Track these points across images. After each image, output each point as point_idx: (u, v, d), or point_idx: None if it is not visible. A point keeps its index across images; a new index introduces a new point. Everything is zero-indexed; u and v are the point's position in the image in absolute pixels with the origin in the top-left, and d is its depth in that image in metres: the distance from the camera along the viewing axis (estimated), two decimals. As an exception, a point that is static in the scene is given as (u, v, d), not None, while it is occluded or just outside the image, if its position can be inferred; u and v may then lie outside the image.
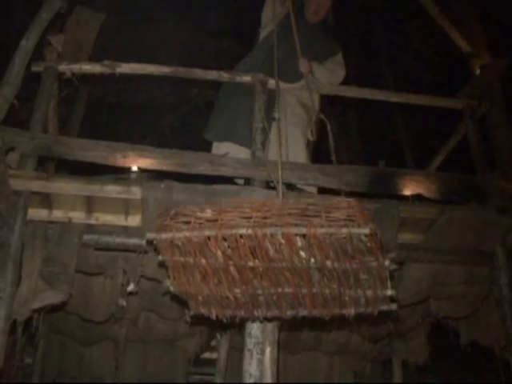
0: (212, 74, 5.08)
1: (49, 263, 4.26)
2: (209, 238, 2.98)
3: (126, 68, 4.95)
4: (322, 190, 4.89)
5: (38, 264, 4.23)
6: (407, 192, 4.85)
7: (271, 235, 2.92)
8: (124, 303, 4.73)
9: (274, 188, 4.34)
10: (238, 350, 5.19)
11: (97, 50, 5.26)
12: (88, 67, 4.91)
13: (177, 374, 6.42)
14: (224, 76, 5.10)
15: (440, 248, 4.83)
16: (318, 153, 5.55)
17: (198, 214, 3.13)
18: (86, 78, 5.19)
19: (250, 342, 4.08)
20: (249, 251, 2.99)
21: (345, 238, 2.88)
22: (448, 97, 5.72)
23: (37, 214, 4.44)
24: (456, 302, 5.05)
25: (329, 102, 7.27)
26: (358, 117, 10.04)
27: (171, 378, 6.33)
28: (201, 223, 3.06)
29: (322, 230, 2.88)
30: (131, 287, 4.54)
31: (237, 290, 3.19)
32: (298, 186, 4.85)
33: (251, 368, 3.98)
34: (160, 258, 3.17)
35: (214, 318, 3.39)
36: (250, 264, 3.04)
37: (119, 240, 4.39)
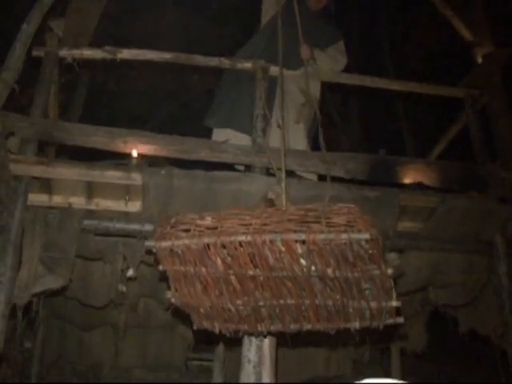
0: (213, 61, 5.06)
1: (49, 248, 4.27)
2: (208, 245, 2.94)
3: (126, 54, 4.94)
4: (322, 178, 4.89)
5: (38, 249, 4.24)
6: (407, 180, 4.85)
7: (270, 242, 2.88)
8: (124, 289, 4.74)
9: (274, 175, 4.35)
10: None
11: (97, 36, 5.24)
12: (89, 53, 4.90)
13: (176, 360, 6.46)
14: (225, 63, 5.08)
15: (440, 236, 4.84)
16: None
17: (198, 221, 3.09)
18: (86, 64, 5.18)
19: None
20: (249, 259, 2.95)
21: (345, 243, 2.83)
22: (450, 86, 5.71)
23: (37, 199, 4.43)
24: (455, 290, 5.06)
25: (330, 91, 7.26)
26: (359, 106, 10.03)
27: (170, 364, 6.37)
28: (200, 231, 3.02)
29: (322, 236, 2.83)
30: (131, 273, 4.55)
31: (238, 302, 3.15)
32: (298, 173, 4.85)
33: (250, 354, 3.97)
34: (160, 267, 3.12)
35: (217, 332, 3.35)
36: (251, 273, 3.00)
37: (119, 226, 4.40)
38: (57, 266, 4.26)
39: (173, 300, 3.22)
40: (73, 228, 4.31)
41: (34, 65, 4.81)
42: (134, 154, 4.50)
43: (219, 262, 2.98)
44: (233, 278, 3.05)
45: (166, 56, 5.00)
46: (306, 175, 4.95)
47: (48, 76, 4.74)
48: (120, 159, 4.81)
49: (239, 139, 5.00)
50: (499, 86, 5.59)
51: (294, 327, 3.28)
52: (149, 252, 3.20)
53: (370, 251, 2.87)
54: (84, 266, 4.84)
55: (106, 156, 4.69)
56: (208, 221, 3.09)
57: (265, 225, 2.97)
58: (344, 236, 2.81)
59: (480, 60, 5.67)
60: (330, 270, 2.92)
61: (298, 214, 3.05)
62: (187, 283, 3.13)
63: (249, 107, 4.91)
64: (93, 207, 4.47)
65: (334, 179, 4.67)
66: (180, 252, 3.00)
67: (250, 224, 2.99)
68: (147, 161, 4.63)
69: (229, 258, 2.96)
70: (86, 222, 4.38)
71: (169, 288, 3.23)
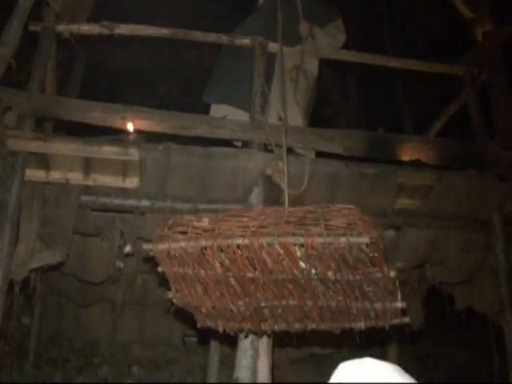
0: (211, 37, 5.03)
1: (46, 224, 4.27)
2: (205, 248, 2.91)
3: (124, 29, 4.90)
4: (320, 154, 4.88)
5: (36, 224, 4.24)
6: (406, 158, 4.84)
7: (268, 245, 2.84)
8: (121, 265, 4.75)
9: (272, 151, 4.34)
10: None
11: (95, 13, 5.20)
12: (86, 28, 4.86)
13: (173, 337, 6.49)
14: (223, 39, 5.05)
15: (437, 214, 4.84)
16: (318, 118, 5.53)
17: (195, 223, 3.07)
18: (84, 40, 5.15)
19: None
20: (247, 262, 2.92)
21: (344, 247, 2.78)
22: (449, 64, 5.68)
23: (34, 174, 4.41)
24: (452, 268, 5.06)
25: (329, 68, 7.22)
26: (358, 84, 9.98)
27: (168, 341, 6.41)
28: (197, 233, 2.99)
29: (321, 240, 2.78)
30: (128, 249, 4.56)
31: (240, 303, 3.13)
32: (297, 150, 4.83)
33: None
34: (159, 269, 3.10)
35: (221, 331, 3.35)
36: (250, 275, 2.97)
37: (117, 201, 4.40)
38: (54, 241, 4.26)
39: (174, 300, 3.21)
40: (70, 204, 4.31)
41: (31, 41, 4.77)
42: (131, 128, 4.48)
43: (217, 264, 2.95)
44: (232, 280, 3.02)
45: (164, 32, 4.96)
46: (304, 152, 4.94)
47: (45, 51, 4.71)
48: (118, 135, 4.80)
49: (237, 115, 4.98)
50: (499, 65, 5.55)
51: (298, 326, 3.27)
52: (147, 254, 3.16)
53: (371, 254, 2.81)
54: (81, 242, 4.84)
55: (104, 132, 4.67)
56: (205, 223, 3.06)
57: (262, 227, 2.93)
58: (343, 240, 2.76)
59: (480, 38, 5.63)
60: (330, 273, 2.88)
61: (296, 215, 3.00)
62: (187, 285, 3.11)
63: (247, 84, 4.89)
64: (90, 183, 4.45)
65: (332, 156, 4.67)
66: (177, 255, 2.97)
67: (248, 226, 2.95)
68: (144, 137, 4.61)
69: (227, 261, 2.93)
70: (84, 198, 4.37)
71: (170, 288, 3.22)
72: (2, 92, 4.33)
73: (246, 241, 2.84)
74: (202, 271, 2.99)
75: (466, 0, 5.85)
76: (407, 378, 1.37)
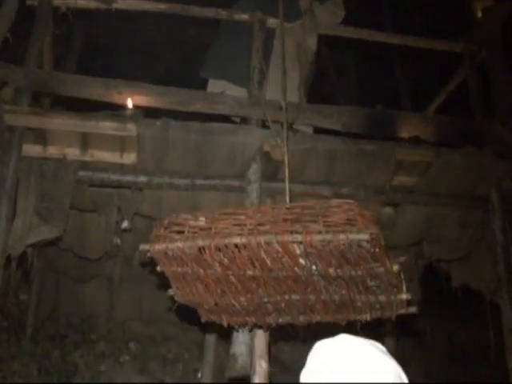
0: (209, 12, 5.00)
1: (43, 199, 4.26)
2: (203, 248, 2.85)
3: (121, 4, 4.87)
4: (318, 131, 4.87)
5: (33, 200, 4.24)
6: (404, 134, 4.83)
7: (266, 244, 2.77)
8: (118, 241, 4.75)
9: (269, 127, 4.33)
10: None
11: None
12: (83, 2, 4.82)
13: (171, 313, 6.49)
14: (221, 14, 5.03)
15: (435, 191, 4.84)
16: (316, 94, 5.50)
17: (192, 222, 3.02)
18: (81, 15, 5.11)
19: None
20: (246, 260, 2.86)
21: (344, 244, 2.69)
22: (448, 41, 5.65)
23: (31, 150, 4.39)
24: (449, 245, 5.07)
25: (327, 45, 7.17)
26: (357, 61, 9.92)
27: (165, 317, 6.41)
28: (194, 232, 2.94)
29: (319, 237, 2.70)
30: (125, 224, 4.56)
31: (242, 299, 3.10)
32: (294, 126, 4.82)
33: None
34: (158, 268, 3.05)
35: (225, 325, 3.34)
36: (250, 273, 2.92)
37: (114, 177, 4.38)
38: (51, 216, 4.25)
39: (176, 298, 3.18)
40: (68, 179, 4.30)
41: (28, 17, 4.73)
42: (129, 104, 4.46)
43: (216, 263, 2.90)
44: (233, 278, 2.98)
45: (162, 7, 4.94)
46: (302, 128, 4.92)
47: (42, 26, 4.68)
48: (116, 111, 4.77)
49: (234, 91, 4.96)
50: (498, 42, 5.51)
51: (303, 319, 3.25)
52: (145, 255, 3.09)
53: (372, 250, 2.72)
54: (79, 217, 4.84)
55: (102, 107, 4.64)
56: (202, 222, 3.01)
57: (260, 225, 2.87)
58: (342, 237, 2.68)
59: (479, 14, 5.59)
60: (331, 270, 2.83)
61: (294, 212, 2.94)
62: (188, 283, 3.07)
63: (245, 59, 4.86)
64: (88, 158, 4.44)
65: (330, 132, 4.65)
66: (175, 255, 2.92)
67: (245, 224, 2.89)
68: (142, 112, 4.59)
69: (226, 260, 2.88)
70: (81, 173, 4.36)
71: (170, 286, 3.19)
72: (-2, 67, 4.31)
73: (244, 240, 2.78)
74: (202, 270, 2.96)
75: (466, -25, 5.81)
76: (383, 352, 1.39)
